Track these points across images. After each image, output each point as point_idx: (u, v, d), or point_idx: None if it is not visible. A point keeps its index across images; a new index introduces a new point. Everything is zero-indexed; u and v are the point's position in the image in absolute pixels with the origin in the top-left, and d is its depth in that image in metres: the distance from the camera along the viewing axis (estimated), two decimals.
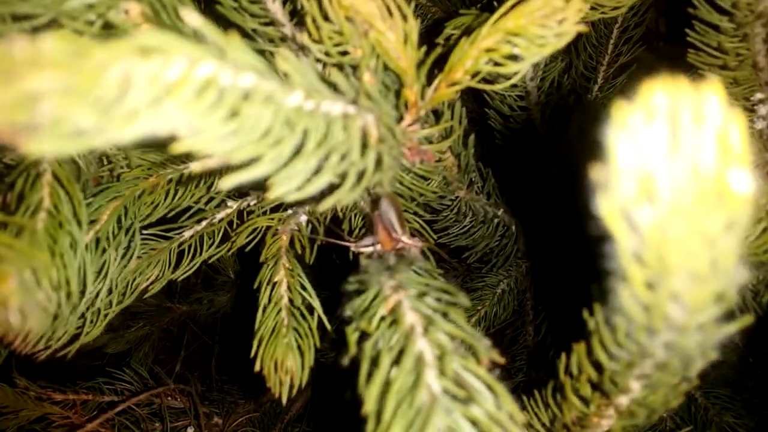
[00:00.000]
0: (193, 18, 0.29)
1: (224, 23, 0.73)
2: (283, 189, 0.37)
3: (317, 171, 0.41)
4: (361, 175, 0.46)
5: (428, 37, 0.80)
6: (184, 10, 0.28)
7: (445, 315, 0.49)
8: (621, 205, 0.27)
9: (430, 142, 0.73)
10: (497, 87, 0.58)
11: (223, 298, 1.58)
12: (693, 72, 0.84)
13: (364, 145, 0.45)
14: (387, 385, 0.41)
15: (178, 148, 0.30)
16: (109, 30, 0.46)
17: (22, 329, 0.38)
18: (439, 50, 0.57)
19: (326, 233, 0.78)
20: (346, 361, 0.49)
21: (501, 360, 0.46)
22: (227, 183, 0.34)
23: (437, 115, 0.74)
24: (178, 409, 1.21)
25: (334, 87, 0.44)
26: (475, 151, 0.88)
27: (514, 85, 1.00)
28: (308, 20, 0.55)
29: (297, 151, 0.38)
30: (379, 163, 0.48)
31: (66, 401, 1.03)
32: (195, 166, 0.33)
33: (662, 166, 0.24)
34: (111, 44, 0.25)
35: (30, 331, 0.38)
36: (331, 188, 0.44)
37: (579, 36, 1.42)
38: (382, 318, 0.48)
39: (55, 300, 0.51)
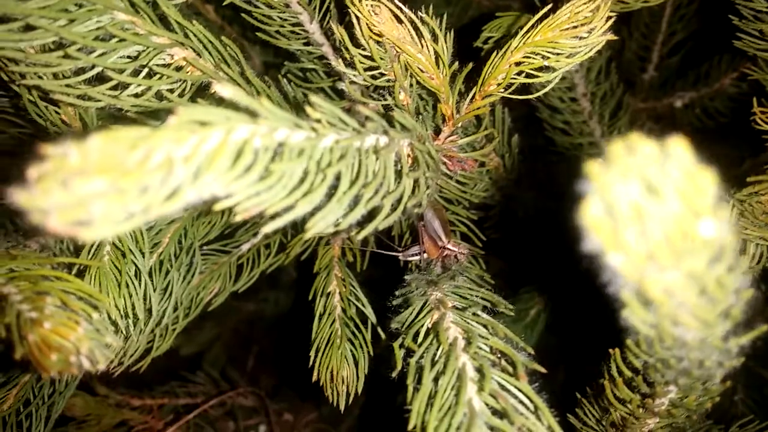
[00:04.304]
0: (224, 91, 0.32)
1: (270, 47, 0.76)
2: (319, 228, 0.39)
3: (354, 204, 0.43)
4: (398, 202, 0.48)
5: (474, 31, 0.81)
6: (216, 85, 0.31)
7: (487, 327, 0.51)
8: (597, 250, 0.28)
9: (474, 148, 0.74)
10: (529, 97, 0.59)
11: (289, 296, 1.63)
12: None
13: (399, 174, 0.48)
14: (430, 401, 0.43)
15: (218, 207, 0.33)
16: (152, 77, 0.49)
17: (93, 370, 0.42)
18: (470, 66, 0.59)
19: (376, 241, 0.81)
20: (394, 375, 0.51)
21: (542, 370, 0.48)
22: (267, 229, 0.36)
23: (480, 119, 0.76)
24: (250, 407, 1.27)
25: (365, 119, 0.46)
26: (522, 147, 0.89)
27: (563, 77, 0.99)
28: (341, 46, 0.57)
29: (332, 190, 0.40)
30: (415, 187, 0.50)
31: (144, 406, 1.09)
32: (236, 218, 0.35)
33: (628, 220, 0.26)
34: (152, 133, 0.28)
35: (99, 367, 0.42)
36: (371, 212, 0.46)
37: (630, 16, 1.39)
38: (427, 333, 0.51)
39: (124, 326, 0.55)
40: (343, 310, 0.70)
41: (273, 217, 0.36)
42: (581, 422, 0.65)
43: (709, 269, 0.29)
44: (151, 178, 0.27)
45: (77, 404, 1.00)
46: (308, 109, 0.38)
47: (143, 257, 0.58)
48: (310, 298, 0.73)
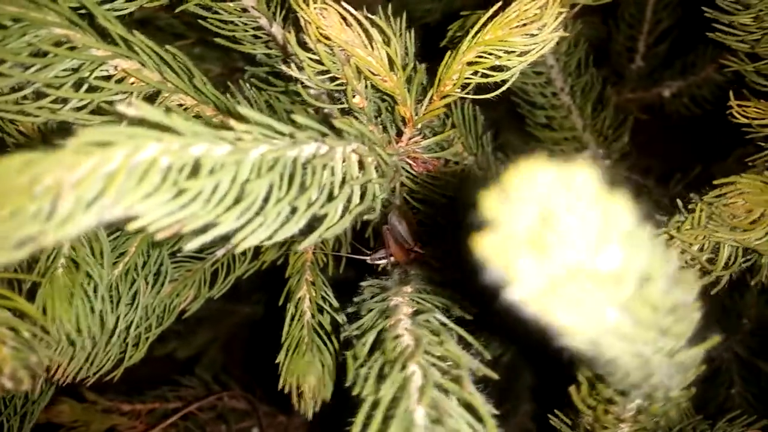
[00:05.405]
0: (131, 110, 0.31)
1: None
2: (251, 242, 0.39)
3: (293, 213, 0.42)
4: (345, 209, 0.47)
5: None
6: (120, 105, 0.30)
7: (441, 333, 0.50)
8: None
9: (443, 148, 0.73)
10: (488, 95, 0.58)
11: None
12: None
13: (344, 180, 0.47)
14: (373, 412, 0.43)
15: (132, 227, 0.32)
16: (94, 91, 0.48)
17: (16, 391, 0.42)
18: (424, 67, 0.58)
19: (351, 245, 0.80)
20: (347, 384, 0.50)
21: (495, 376, 0.47)
22: (190, 246, 0.36)
23: (447, 117, 0.75)
24: (243, 410, 1.26)
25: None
26: (499, 144, 0.88)
27: (539, 72, 0.98)
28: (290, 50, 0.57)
29: (264, 201, 0.40)
30: (363, 194, 0.49)
31: (133, 411, 1.09)
32: (157, 236, 0.35)
33: (525, 253, 0.24)
34: (42, 158, 0.27)
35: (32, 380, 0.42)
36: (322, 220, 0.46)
37: (616, 7, 1.37)
38: (378, 341, 0.50)
39: (80, 341, 0.55)
40: (312, 316, 0.69)
41: (198, 233, 0.36)
42: (562, 423, 0.65)
43: (631, 294, 0.28)
44: (38, 204, 0.26)
45: (64, 411, 1.00)
46: (232, 122, 0.38)
47: (102, 268, 0.58)
48: (281, 303, 0.73)
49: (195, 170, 0.35)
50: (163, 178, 0.32)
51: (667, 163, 1.21)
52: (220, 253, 0.83)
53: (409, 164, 0.68)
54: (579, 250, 0.24)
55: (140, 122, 0.33)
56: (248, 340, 1.60)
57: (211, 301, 0.86)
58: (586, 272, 0.24)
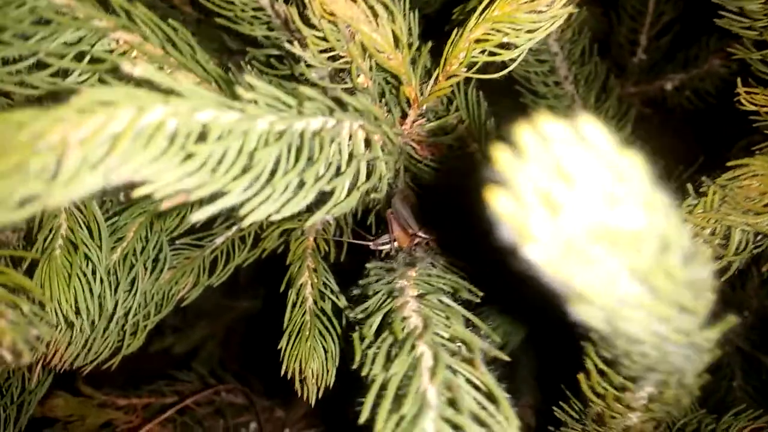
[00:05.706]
0: (136, 69, 0.30)
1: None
2: (259, 215, 0.37)
3: (300, 187, 0.41)
4: (352, 186, 0.46)
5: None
6: (125, 63, 0.29)
7: (449, 314, 0.49)
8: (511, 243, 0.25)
9: (446, 133, 0.72)
10: (494, 76, 0.57)
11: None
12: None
13: (351, 156, 0.46)
14: (382, 392, 0.41)
15: (139, 193, 0.31)
16: (96, 63, 0.47)
17: (16, 365, 0.40)
18: (429, 45, 0.57)
19: (352, 231, 0.79)
20: (354, 366, 0.49)
21: (505, 358, 0.46)
22: (197, 217, 0.34)
23: (451, 102, 0.74)
24: (241, 405, 1.25)
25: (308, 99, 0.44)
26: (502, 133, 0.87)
27: (543, 60, 0.97)
28: (294, 27, 0.55)
29: (272, 174, 0.39)
30: (370, 171, 0.48)
31: (129, 406, 1.08)
32: (163, 205, 0.34)
33: (539, 211, 0.23)
34: (45, 114, 0.26)
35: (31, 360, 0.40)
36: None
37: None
38: (386, 322, 0.49)
39: (79, 324, 0.53)
40: (314, 302, 0.68)
41: (204, 203, 0.35)
42: (567, 415, 0.64)
43: (651, 261, 0.27)
44: (41, 161, 0.25)
45: (59, 405, 0.99)
46: (240, 90, 0.37)
47: (100, 250, 0.56)
48: (282, 290, 0.71)
49: (202, 137, 0.34)
50: (170, 141, 0.31)
51: (669, 157, 1.20)
52: (219, 240, 0.82)
53: (413, 148, 0.67)
54: (595, 209, 0.23)
55: (144, 84, 0.31)
56: (246, 335, 1.59)
57: (209, 296, 0.84)
58: (602, 231, 0.23)
